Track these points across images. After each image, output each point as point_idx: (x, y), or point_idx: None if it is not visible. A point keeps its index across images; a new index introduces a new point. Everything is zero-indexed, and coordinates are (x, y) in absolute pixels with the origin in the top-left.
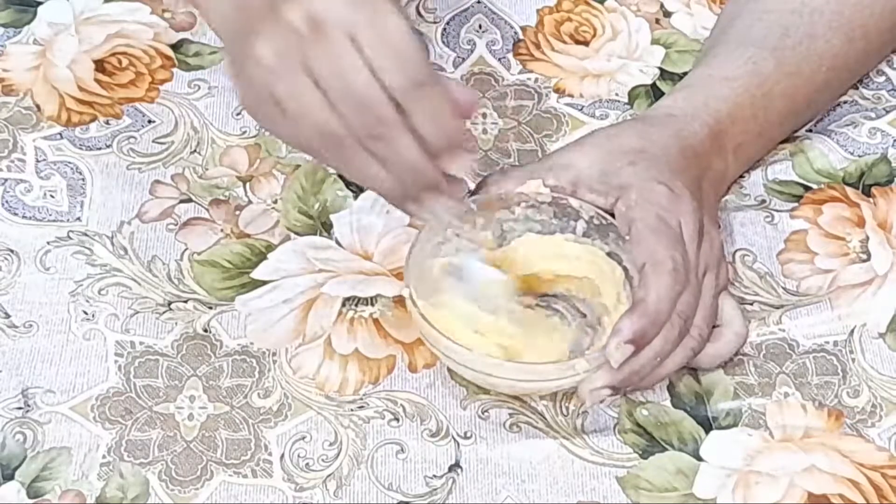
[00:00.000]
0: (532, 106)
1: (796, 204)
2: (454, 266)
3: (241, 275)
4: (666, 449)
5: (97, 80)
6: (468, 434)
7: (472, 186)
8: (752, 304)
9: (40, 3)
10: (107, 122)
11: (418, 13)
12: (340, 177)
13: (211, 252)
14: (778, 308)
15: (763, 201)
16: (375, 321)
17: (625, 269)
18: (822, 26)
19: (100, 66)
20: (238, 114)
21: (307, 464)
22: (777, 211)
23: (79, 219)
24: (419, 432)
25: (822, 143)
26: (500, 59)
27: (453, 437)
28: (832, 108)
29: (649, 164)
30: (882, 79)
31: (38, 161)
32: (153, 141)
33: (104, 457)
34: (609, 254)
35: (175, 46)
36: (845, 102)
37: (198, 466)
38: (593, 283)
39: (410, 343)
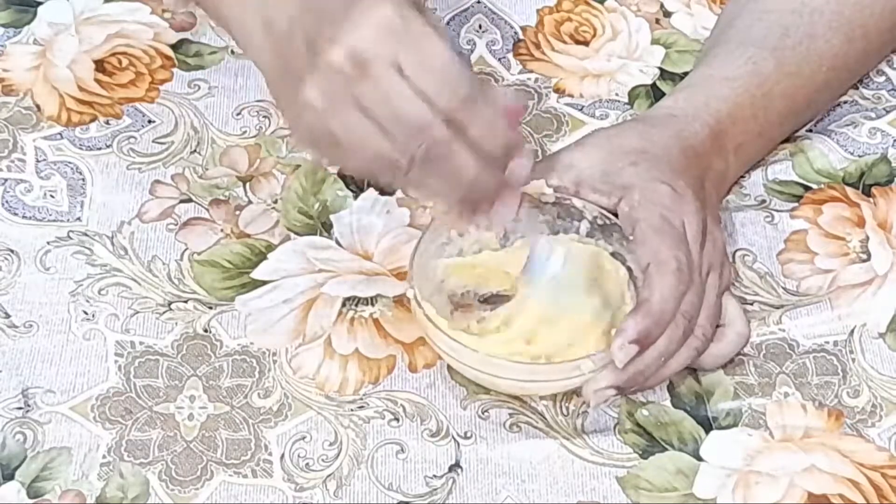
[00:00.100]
0: (532, 106)
1: (796, 204)
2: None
3: (241, 275)
4: (666, 449)
5: (97, 80)
6: (468, 434)
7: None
8: (752, 304)
9: (40, 3)
10: (107, 122)
11: None
12: (341, 177)
13: (211, 252)
14: (778, 308)
15: (763, 201)
16: (375, 321)
17: (629, 269)
18: (822, 26)
19: (100, 66)
20: (238, 114)
21: (307, 464)
22: (777, 211)
23: (79, 219)
24: (419, 432)
25: (822, 143)
26: (500, 59)
27: (453, 437)
28: (832, 108)
29: (651, 164)
30: (882, 79)
31: (38, 161)
32: (153, 141)
33: (104, 457)
34: (613, 254)
35: (175, 46)
36: (845, 102)
37: (198, 466)
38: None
39: (410, 343)
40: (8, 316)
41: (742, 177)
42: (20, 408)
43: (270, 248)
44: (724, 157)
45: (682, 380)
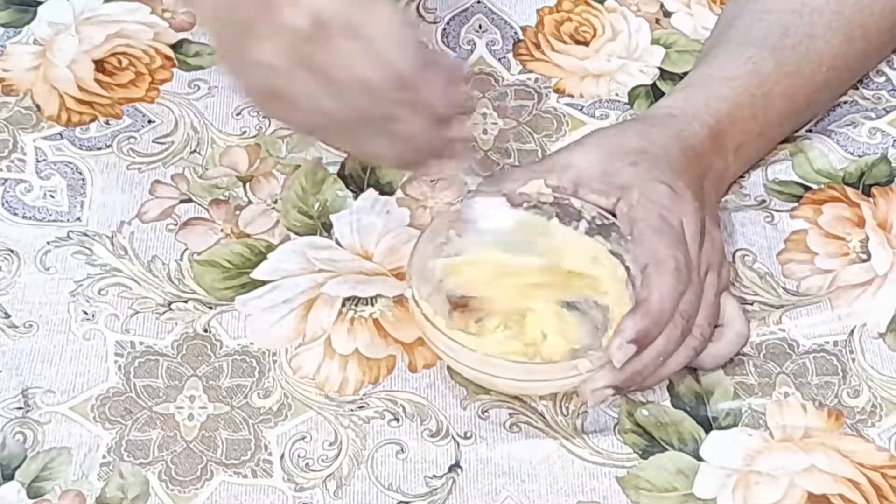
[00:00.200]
0: (532, 106)
1: (796, 204)
2: (469, 209)
3: (241, 275)
4: (666, 449)
5: (97, 80)
6: (468, 434)
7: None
8: (752, 304)
9: (40, 3)
10: (107, 122)
11: (418, 13)
12: (341, 177)
13: (211, 252)
14: (778, 308)
15: (763, 201)
16: (375, 321)
17: (627, 269)
18: (822, 26)
19: (100, 66)
20: (238, 114)
21: (307, 464)
22: (777, 211)
23: (79, 219)
24: (419, 432)
25: (822, 143)
26: (500, 59)
27: (453, 437)
28: (832, 108)
29: (650, 164)
30: (882, 79)
31: (38, 161)
32: (153, 141)
33: (104, 457)
34: (611, 254)
35: (175, 46)
36: (845, 102)
37: (198, 466)
38: (595, 279)
39: (410, 343)
40: (8, 316)
41: (742, 177)
42: (20, 408)
43: (270, 248)
44: (724, 157)
45: (682, 380)
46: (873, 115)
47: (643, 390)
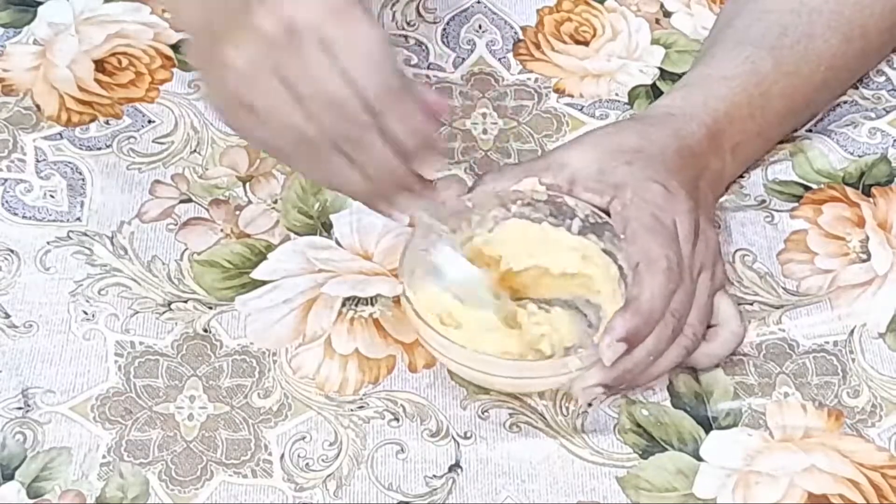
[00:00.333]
0: (532, 106)
1: (796, 204)
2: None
3: (241, 275)
4: (666, 449)
5: (97, 80)
6: (468, 434)
7: (469, 184)
8: (752, 304)
9: (40, 3)
10: (107, 122)
11: (418, 13)
12: None
13: (211, 252)
14: (778, 308)
15: (763, 201)
16: (375, 321)
17: (620, 267)
18: (821, 26)
19: (100, 66)
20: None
21: (307, 464)
22: (777, 211)
23: (79, 219)
24: (419, 432)
25: (822, 143)
26: (500, 59)
27: (453, 437)
28: (832, 108)
29: (646, 163)
30: (882, 79)
31: (38, 161)
32: (153, 141)
33: (104, 457)
34: (604, 252)
35: (175, 46)
36: (845, 102)
37: (198, 466)
38: (589, 277)
39: (410, 343)
40: (8, 316)
41: (742, 177)
42: (20, 408)
43: (270, 248)
44: (722, 157)
45: (681, 380)
46: (873, 115)
47: (634, 389)
